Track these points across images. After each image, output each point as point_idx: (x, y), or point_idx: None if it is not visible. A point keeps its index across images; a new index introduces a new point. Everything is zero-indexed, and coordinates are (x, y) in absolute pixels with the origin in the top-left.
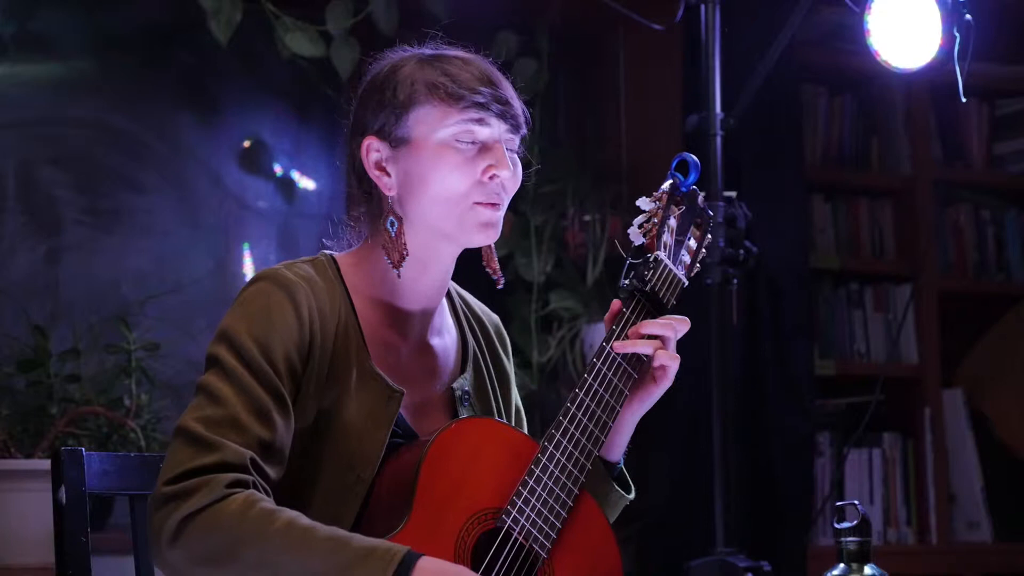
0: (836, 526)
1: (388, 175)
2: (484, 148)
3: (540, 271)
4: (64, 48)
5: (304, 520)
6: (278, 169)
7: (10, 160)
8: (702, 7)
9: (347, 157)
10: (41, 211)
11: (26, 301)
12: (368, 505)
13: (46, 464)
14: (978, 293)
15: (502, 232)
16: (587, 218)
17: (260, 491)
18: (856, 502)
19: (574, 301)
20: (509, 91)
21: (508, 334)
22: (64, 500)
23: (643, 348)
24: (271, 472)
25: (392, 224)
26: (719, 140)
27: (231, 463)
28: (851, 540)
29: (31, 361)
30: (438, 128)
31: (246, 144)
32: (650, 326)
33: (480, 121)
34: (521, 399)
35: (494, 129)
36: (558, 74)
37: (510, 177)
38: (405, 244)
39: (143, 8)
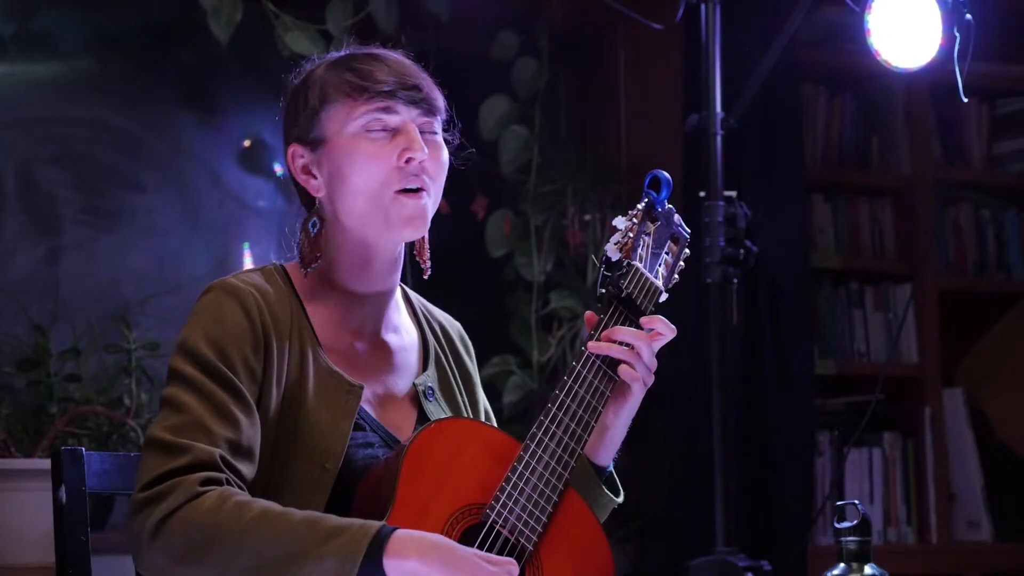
0: (836, 526)
1: (315, 177)
2: (396, 133)
3: (540, 271)
4: (64, 48)
5: (277, 507)
6: (278, 169)
7: (10, 160)
8: (702, 7)
9: (285, 168)
10: (41, 211)
11: (26, 301)
12: (351, 508)
13: (46, 463)
14: (978, 293)
15: (502, 232)
16: (587, 218)
17: (234, 487)
18: (856, 502)
19: (574, 301)
20: (419, 78)
21: (508, 334)
22: (64, 499)
23: (616, 353)
24: (243, 469)
25: (313, 225)
26: (719, 140)
27: (202, 462)
28: (851, 540)
29: (31, 361)
30: (348, 122)
31: (246, 144)
32: (622, 333)
33: (387, 109)
34: (521, 398)
35: (403, 115)
36: (558, 74)
37: (426, 158)
38: (320, 248)
39: (143, 8)
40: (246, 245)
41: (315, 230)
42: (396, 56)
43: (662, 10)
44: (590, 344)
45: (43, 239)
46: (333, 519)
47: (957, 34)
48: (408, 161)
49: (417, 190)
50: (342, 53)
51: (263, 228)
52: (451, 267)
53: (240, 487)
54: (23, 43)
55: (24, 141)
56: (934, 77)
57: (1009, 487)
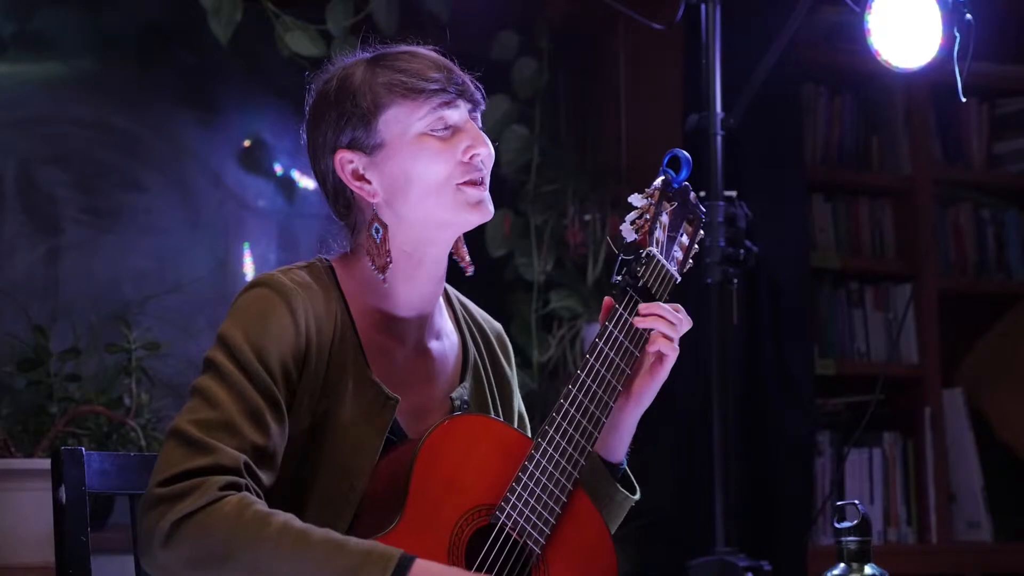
0: (836, 526)
1: (369, 182)
2: (457, 131)
3: (540, 271)
4: (64, 48)
5: (298, 523)
6: (278, 169)
7: (10, 160)
8: (702, 7)
9: (318, 176)
10: (41, 211)
11: (26, 301)
12: (361, 502)
13: (46, 463)
14: (978, 293)
15: (502, 232)
16: (587, 218)
17: (253, 495)
18: (856, 502)
19: (574, 301)
20: (460, 72)
21: (508, 334)
22: (64, 499)
23: (659, 325)
24: (264, 478)
25: (377, 231)
26: (719, 140)
27: (225, 466)
28: (851, 540)
29: (31, 360)
30: (411, 124)
31: (246, 144)
32: (656, 308)
33: (447, 105)
34: (522, 398)
35: (460, 110)
36: (558, 74)
37: (487, 154)
38: (389, 251)
39: (143, 8)
40: (246, 245)
41: (379, 236)
42: (430, 52)
43: (662, 10)
44: (636, 320)
45: (43, 239)
46: (353, 544)
47: (957, 34)
48: (473, 157)
49: (478, 182)
50: (373, 53)
51: (263, 228)
52: (451, 267)
53: (259, 495)
54: (23, 43)
55: (24, 141)
56: (934, 77)
57: (1009, 487)
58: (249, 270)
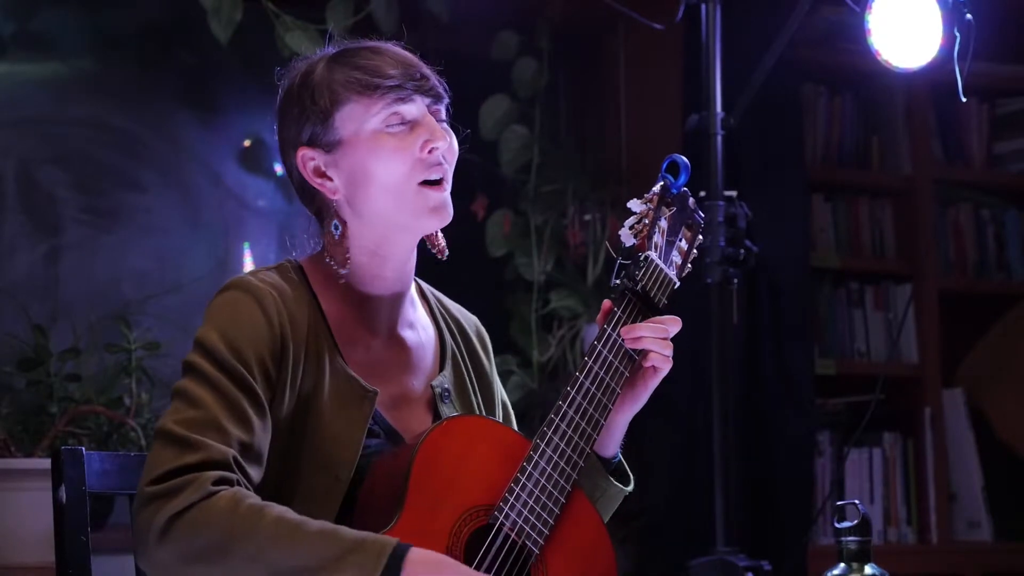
0: (836, 525)
1: (330, 179)
2: (415, 125)
3: (540, 271)
4: (64, 48)
5: (293, 515)
6: (278, 169)
7: (10, 160)
8: (702, 7)
9: (287, 172)
10: (41, 211)
11: (26, 301)
12: (356, 504)
13: (46, 463)
14: (978, 293)
15: (502, 231)
16: (587, 218)
17: (244, 489)
18: (856, 501)
19: (574, 300)
20: (421, 66)
21: (508, 334)
22: (64, 499)
23: (648, 344)
24: (252, 474)
25: (336, 227)
26: (719, 140)
27: (215, 461)
28: (851, 539)
29: (31, 360)
30: (366, 120)
31: (246, 143)
32: (640, 330)
33: (402, 100)
34: (521, 398)
35: (418, 104)
36: (558, 74)
37: (447, 148)
38: (348, 248)
39: (143, 8)
40: (246, 245)
41: (339, 232)
42: (392, 47)
43: (662, 10)
44: (627, 342)
45: (43, 239)
46: (348, 533)
47: (957, 34)
48: (431, 151)
49: (439, 181)
50: (336, 49)
51: (263, 228)
52: (451, 267)
53: (248, 490)
54: (23, 43)
55: (24, 141)
56: (934, 77)
57: (1009, 487)
58: (249, 270)
